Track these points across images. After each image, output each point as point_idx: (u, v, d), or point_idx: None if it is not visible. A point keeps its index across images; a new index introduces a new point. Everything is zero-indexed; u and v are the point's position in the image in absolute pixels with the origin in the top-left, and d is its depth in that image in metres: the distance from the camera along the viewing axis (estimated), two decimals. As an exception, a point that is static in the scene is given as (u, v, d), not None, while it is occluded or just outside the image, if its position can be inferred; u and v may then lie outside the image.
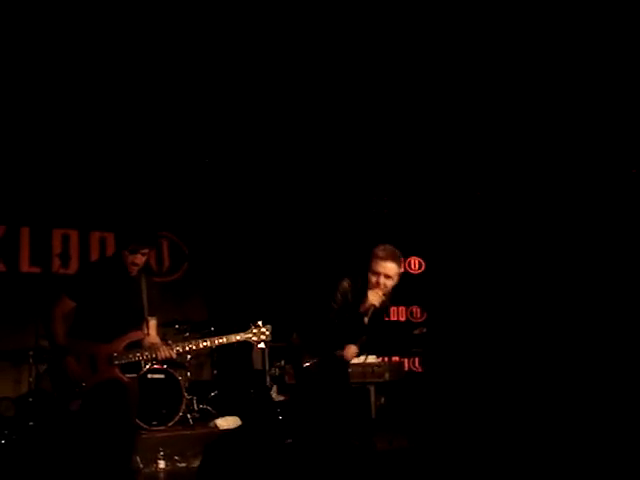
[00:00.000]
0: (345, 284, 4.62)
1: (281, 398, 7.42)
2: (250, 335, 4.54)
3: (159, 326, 4.72)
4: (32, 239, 7.91)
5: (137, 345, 4.51)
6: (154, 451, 5.92)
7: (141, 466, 5.68)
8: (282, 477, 3.58)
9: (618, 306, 7.18)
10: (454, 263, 8.55)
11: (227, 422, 6.84)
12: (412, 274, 8.94)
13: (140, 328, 4.56)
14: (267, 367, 7.65)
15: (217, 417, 6.97)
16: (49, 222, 8.01)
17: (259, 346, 4.68)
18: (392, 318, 8.82)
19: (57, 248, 7.95)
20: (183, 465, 5.91)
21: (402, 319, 8.94)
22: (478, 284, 8.24)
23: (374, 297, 4.55)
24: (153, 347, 4.47)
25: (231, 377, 8.06)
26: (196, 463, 5.46)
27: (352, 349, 4.73)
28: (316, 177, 8.51)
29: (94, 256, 8.13)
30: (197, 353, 7.48)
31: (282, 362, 7.51)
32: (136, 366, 4.52)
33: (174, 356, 4.50)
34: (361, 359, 6.80)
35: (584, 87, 6.52)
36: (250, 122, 7.40)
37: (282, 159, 8.17)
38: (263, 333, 4.55)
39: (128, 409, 4.50)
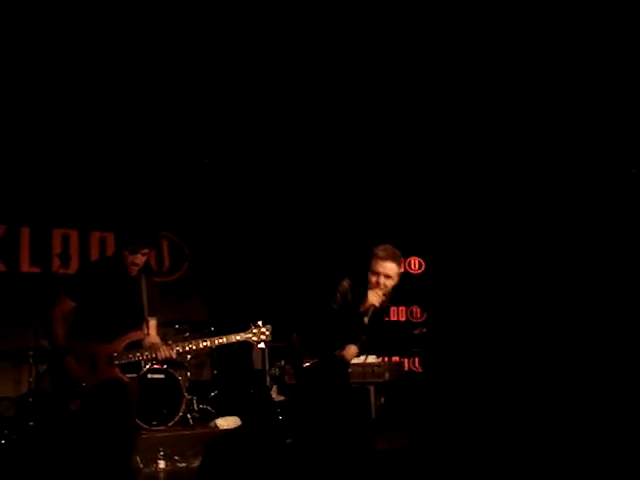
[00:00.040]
0: (345, 284, 4.63)
1: (281, 398, 7.42)
2: (250, 335, 4.54)
3: (159, 326, 4.73)
4: (32, 239, 7.91)
5: (137, 345, 4.51)
6: (154, 451, 5.92)
7: (141, 466, 5.68)
8: (282, 477, 3.58)
9: (618, 306, 7.17)
10: (454, 263, 8.55)
11: (227, 422, 6.84)
12: (412, 274, 8.93)
13: (140, 328, 4.56)
14: (267, 367, 7.65)
15: (217, 417, 6.97)
16: (49, 222, 8.01)
17: (259, 346, 4.68)
18: (392, 318, 8.82)
19: (57, 248, 7.95)
20: (183, 465, 5.91)
21: (402, 319, 8.94)
22: (478, 284, 8.24)
23: (374, 297, 4.55)
24: (153, 347, 4.47)
25: (231, 377, 8.06)
26: (196, 463, 5.47)
27: (352, 349, 4.74)
28: (316, 177, 8.51)
29: (94, 256, 8.13)
30: (197, 353, 7.47)
31: (282, 362, 7.51)
32: (136, 366, 4.52)
33: (174, 356, 4.50)
34: (361, 359, 6.81)
35: (584, 87, 6.52)
36: (250, 122, 7.40)
37: (282, 159, 8.17)
38: (263, 333, 4.55)
39: (128, 409, 4.49)
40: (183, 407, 6.77)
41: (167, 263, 8.78)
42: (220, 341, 4.53)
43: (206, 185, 8.62)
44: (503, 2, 5.43)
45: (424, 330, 8.53)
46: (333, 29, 5.77)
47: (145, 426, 6.34)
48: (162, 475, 5.76)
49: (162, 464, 5.87)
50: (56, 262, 7.83)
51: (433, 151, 7.98)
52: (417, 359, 8.70)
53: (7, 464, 5.46)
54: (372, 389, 6.92)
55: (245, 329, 4.56)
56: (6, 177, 7.59)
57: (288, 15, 5.55)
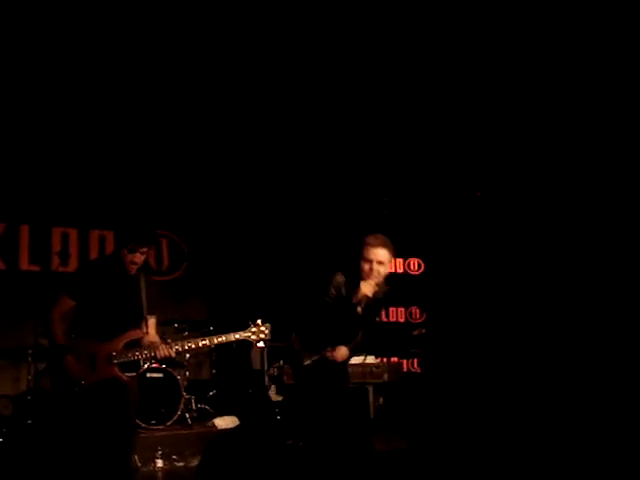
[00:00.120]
0: (339, 278, 4.62)
1: (279, 398, 7.42)
2: (249, 334, 4.53)
3: (158, 325, 4.71)
4: (32, 237, 7.91)
5: (136, 344, 4.50)
6: (152, 450, 5.90)
7: (139, 465, 5.67)
8: (281, 477, 3.58)
9: (618, 307, 7.17)
10: (453, 264, 8.54)
11: (225, 422, 6.84)
12: (411, 275, 8.94)
13: (139, 327, 4.55)
14: (266, 367, 7.64)
15: (215, 416, 6.97)
16: (49, 220, 8.01)
17: (258, 345, 4.66)
18: (391, 319, 8.82)
19: (56, 246, 7.95)
20: (181, 464, 5.89)
21: (401, 320, 8.94)
22: (477, 285, 8.24)
23: (366, 287, 4.54)
24: (152, 346, 4.46)
25: (230, 377, 8.06)
26: (194, 462, 5.47)
27: (342, 350, 4.67)
28: (316, 177, 8.51)
29: (93, 254, 8.13)
30: (196, 352, 7.47)
31: (281, 362, 7.51)
32: (135, 365, 4.52)
33: (173, 355, 4.49)
34: (360, 359, 6.82)
35: (583, 87, 6.52)
36: (249, 122, 7.40)
37: (282, 159, 8.17)
38: (262, 332, 4.53)
39: (127, 408, 4.49)
40: (181, 406, 6.76)
41: (166, 262, 8.78)
42: (219, 340, 4.52)
43: (205, 185, 8.61)
44: (503, 2, 5.44)
45: (423, 331, 8.53)
46: (333, 29, 5.77)
47: (143, 425, 6.34)
48: (160, 474, 5.74)
49: (160, 463, 5.86)
50: (55, 260, 7.82)
51: (433, 152, 7.98)
52: (416, 360, 8.69)
53: (5, 462, 5.46)
54: (371, 389, 6.93)
55: (244, 328, 4.55)
56: (6, 175, 7.58)
57: (288, 15, 5.56)
